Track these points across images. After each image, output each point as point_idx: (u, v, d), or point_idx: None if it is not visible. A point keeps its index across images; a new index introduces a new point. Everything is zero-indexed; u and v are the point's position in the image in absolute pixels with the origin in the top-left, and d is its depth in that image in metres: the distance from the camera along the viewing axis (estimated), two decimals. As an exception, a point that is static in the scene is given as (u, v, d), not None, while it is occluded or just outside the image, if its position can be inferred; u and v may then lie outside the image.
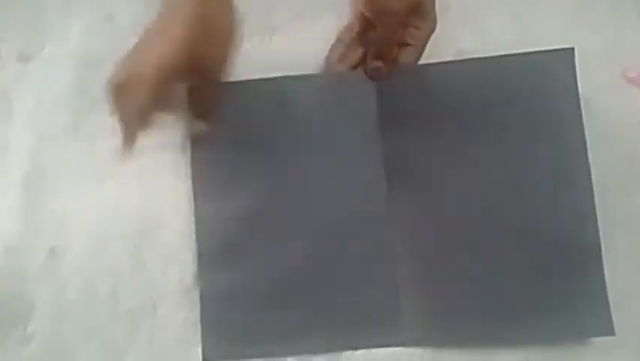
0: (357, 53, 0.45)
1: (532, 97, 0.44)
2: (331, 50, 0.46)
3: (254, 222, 0.44)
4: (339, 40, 0.46)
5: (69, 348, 0.44)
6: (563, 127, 0.44)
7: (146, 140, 0.39)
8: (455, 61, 0.45)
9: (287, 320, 0.43)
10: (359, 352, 0.44)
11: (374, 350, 0.44)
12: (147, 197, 0.47)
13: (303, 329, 0.43)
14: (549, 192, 0.43)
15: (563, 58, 0.44)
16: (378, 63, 0.43)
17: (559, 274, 0.43)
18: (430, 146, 0.45)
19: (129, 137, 0.38)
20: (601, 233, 0.43)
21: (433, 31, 0.43)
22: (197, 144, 0.46)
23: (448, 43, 0.47)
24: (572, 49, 0.43)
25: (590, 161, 0.43)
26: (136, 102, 0.36)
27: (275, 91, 0.45)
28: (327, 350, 0.43)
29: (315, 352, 0.44)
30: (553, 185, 0.43)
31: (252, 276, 0.44)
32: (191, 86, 0.43)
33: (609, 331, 0.41)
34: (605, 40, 0.48)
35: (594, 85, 0.45)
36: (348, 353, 0.44)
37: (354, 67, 0.45)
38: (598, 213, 0.43)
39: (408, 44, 0.43)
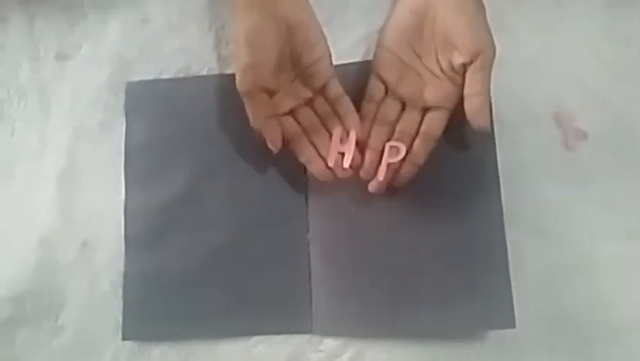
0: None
1: None
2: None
3: (178, 210, 0.47)
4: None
5: (99, 340, 0.45)
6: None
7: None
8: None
9: (203, 304, 0.45)
10: (266, 337, 0.45)
11: (281, 336, 0.45)
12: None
13: (218, 314, 0.45)
14: (457, 185, 0.44)
15: None
16: None
17: (464, 268, 0.43)
18: None
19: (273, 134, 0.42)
20: (507, 227, 0.43)
21: None
22: (132, 134, 0.48)
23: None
24: None
25: (498, 151, 0.44)
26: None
27: (204, 88, 0.48)
28: (238, 334, 0.45)
29: (228, 336, 0.45)
30: (460, 177, 0.44)
31: (173, 261, 0.46)
32: None
33: (510, 323, 0.41)
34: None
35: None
36: (257, 338, 0.45)
37: None
38: (504, 208, 0.43)
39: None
